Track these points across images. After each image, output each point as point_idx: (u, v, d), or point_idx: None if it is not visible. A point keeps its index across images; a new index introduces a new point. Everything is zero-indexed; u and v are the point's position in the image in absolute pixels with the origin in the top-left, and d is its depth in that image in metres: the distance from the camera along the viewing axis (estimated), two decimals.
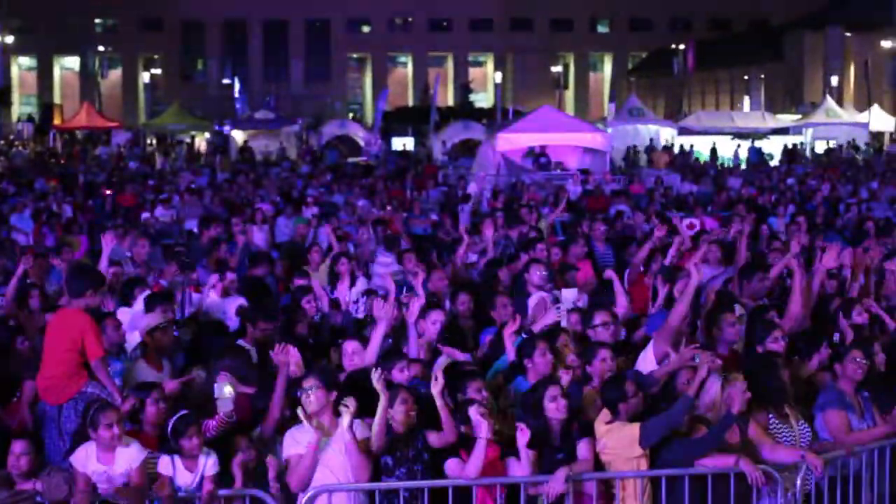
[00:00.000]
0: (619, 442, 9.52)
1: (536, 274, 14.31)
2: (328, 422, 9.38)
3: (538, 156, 39.67)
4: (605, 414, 9.72)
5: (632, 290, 14.77)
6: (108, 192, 33.09)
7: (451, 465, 9.49)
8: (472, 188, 31.87)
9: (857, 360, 10.53)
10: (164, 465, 9.36)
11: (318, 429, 9.20)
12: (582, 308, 12.90)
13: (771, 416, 10.05)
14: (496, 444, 9.57)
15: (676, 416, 9.49)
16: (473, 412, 9.45)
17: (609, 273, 14.19)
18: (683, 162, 54.06)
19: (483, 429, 9.30)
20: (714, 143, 61.27)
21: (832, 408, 10.32)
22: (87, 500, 9.15)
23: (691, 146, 61.31)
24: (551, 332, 11.56)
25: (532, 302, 13.54)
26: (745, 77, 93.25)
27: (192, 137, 73.28)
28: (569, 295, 13.73)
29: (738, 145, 60.87)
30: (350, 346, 11.17)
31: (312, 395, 9.34)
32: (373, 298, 13.65)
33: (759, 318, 12.08)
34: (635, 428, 9.45)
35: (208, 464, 9.30)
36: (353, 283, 16.11)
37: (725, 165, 55.16)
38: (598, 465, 9.61)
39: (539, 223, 21.89)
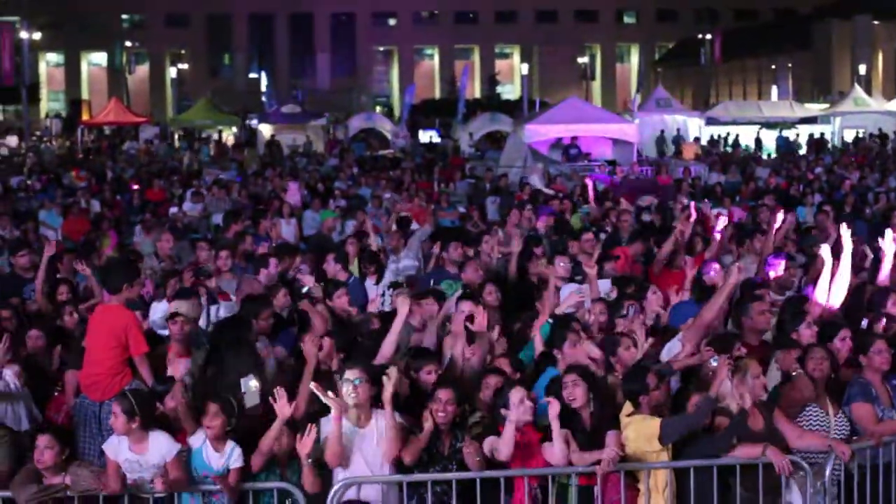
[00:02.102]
0: (639, 435, 9.51)
1: (561, 266, 14.33)
2: (364, 414, 9.39)
3: (567, 147, 39.58)
4: (628, 406, 9.72)
5: (658, 281, 14.72)
6: (135, 187, 33.21)
7: (487, 442, 9.51)
8: (533, 180, 31.57)
9: (882, 350, 10.48)
10: (195, 439, 9.47)
11: (337, 402, 9.21)
12: (610, 299, 12.85)
13: (809, 406, 10.01)
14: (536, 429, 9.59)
15: (697, 418, 9.45)
16: (513, 394, 9.51)
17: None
18: (712, 152, 53.87)
19: (512, 412, 9.33)
20: (758, 132, 61.12)
21: (857, 400, 10.25)
22: (116, 488, 9.21)
23: (718, 136, 61.15)
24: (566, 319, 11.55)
25: (564, 293, 13.49)
26: (773, 66, 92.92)
27: (220, 132, 73.43)
28: (602, 286, 13.68)
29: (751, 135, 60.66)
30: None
31: (360, 388, 9.32)
32: (399, 291, 13.66)
33: (791, 306, 12.06)
34: (656, 424, 9.43)
35: (234, 454, 9.35)
36: (380, 278, 16.13)
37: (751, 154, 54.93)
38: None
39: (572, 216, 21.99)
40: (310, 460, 9.14)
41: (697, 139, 53.76)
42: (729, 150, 57.33)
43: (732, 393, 9.57)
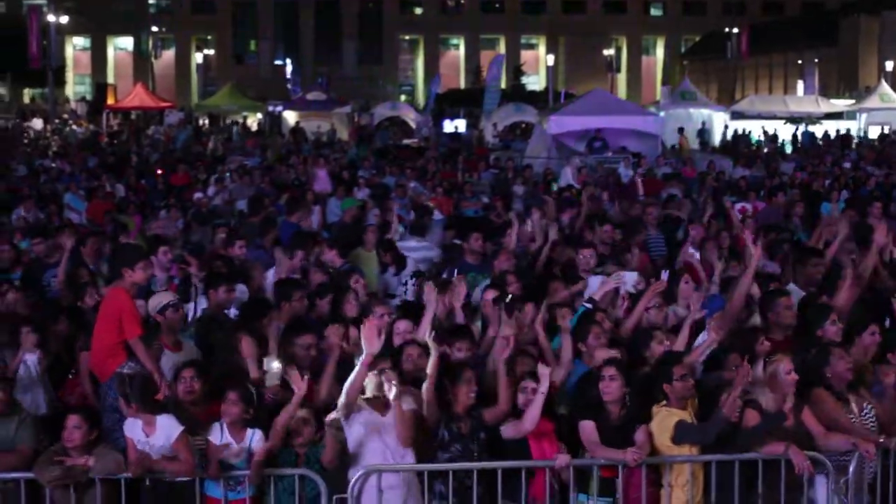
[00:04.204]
0: (662, 430, 9.53)
1: (584, 258, 14.33)
2: (384, 402, 9.37)
3: (593, 139, 39.49)
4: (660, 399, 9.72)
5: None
6: (160, 171, 33.27)
7: (507, 429, 9.57)
8: (566, 174, 31.50)
9: None
10: (213, 431, 9.51)
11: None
12: (638, 292, 12.82)
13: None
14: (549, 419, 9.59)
15: (707, 434, 9.45)
16: (530, 384, 9.53)
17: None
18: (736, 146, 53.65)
19: (542, 383, 9.39)
20: (774, 129, 60.84)
21: (882, 398, 10.21)
22: (138, 469, 9.26)
23: (744, 131, 60.92)
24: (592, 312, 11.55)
25: (592, 285, 13.46)
26: (799, 61, 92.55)
27: (245, 118, 73.52)
28: (630, 278, 13.64)
29: (770, 130, 60.32)
30: (402, 325, 11.25)
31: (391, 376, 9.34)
32: (422, 280, 13.65)
33: (813, 303, 12.02)
34: (674, 421, 9.44)
35: (255, 437, 9.37)
36: (402, 267, 16.12)
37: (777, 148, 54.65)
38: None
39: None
40: (335, 431, 9.21)
41: (682, 129, 52.81)
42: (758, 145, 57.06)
43: (762, 386, 9.58)
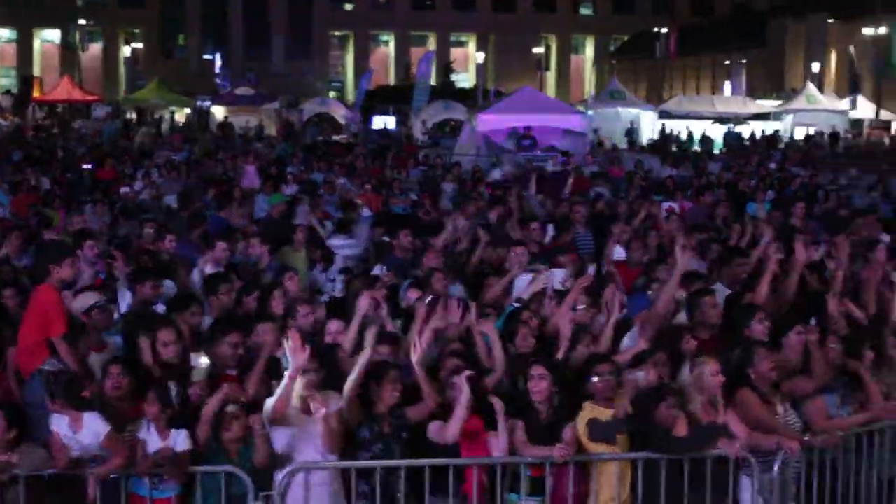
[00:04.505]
0: (583, 427, 9.55)
1: (516, 255, 14.35)
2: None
3: (521, 137, 39.59)
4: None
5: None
6: (87, 166, 32.95)
7: (432, 427, 9.53)
8: (494, 173, 31.57)
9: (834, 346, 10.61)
10: (141, 428, 9.44)
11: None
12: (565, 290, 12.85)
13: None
14: (477, 415, 9.57)
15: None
16: (457, 379, 9.48)
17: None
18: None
19: (463, 394, 9.32)
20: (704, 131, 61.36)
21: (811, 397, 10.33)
22: (63, 465, 9.16)
23: (671, 131, 61.34)
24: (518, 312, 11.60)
25: (522, 283, 13.48)
26: (727, 62, 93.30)
27: (172, 113, 73.08)
28: (558, 275, 13.68)
29: (698, 130, 60.77)
30: (334, 325, 11.25)
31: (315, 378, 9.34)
32: (350, 277, 13.67)
33: (738, 302, 12.12)
34: (586, 419, 9.51)
35: (179, 438, 9.30)
36: (329, 263, 16.11)
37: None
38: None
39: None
40: (263, 431, 9.15)
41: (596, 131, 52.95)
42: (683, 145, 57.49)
43: (691, 389, 9.67)
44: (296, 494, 9.27)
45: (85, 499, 9.23)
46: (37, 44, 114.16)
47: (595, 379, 9.63)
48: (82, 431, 9.24)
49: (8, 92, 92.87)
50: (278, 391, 9.14)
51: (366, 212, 21.37)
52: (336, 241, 17.67)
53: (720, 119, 63.42)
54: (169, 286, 13.32)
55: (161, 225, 17.25)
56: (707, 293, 11.95)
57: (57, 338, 10.47)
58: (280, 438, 9.33)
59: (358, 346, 10.43)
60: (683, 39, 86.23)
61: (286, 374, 9.16)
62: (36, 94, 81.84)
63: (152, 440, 9.37)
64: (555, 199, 23.20)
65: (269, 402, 9.23)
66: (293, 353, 9.11)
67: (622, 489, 9.54)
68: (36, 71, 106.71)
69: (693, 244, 14.70)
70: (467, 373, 9.47)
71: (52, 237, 16.65)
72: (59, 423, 9.29)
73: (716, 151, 54.23)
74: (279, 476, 9.25)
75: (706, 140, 59.00)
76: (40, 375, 10.35)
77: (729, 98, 74.24)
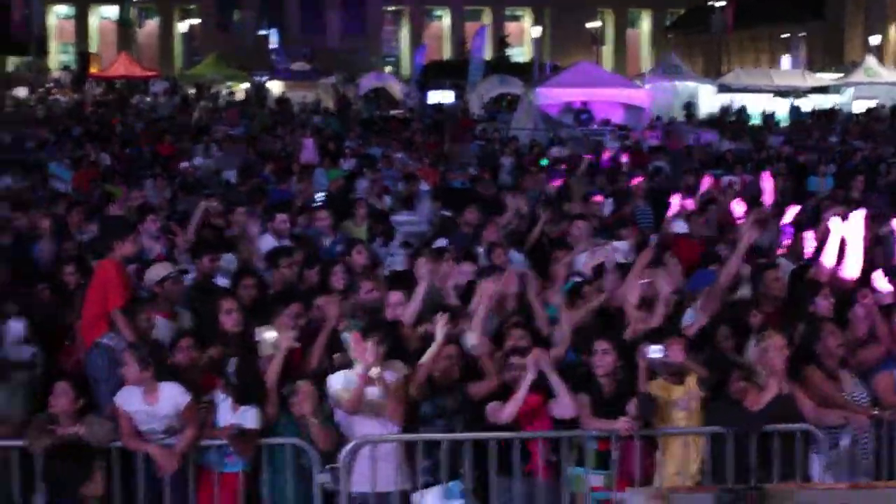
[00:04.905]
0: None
1: (579, 229, 14.30)
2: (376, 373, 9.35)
3: (579, 112, 39.45)
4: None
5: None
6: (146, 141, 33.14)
7: (490, 407, 9.48)
8: (554, 152, 31.44)
9: None
10: (217, 398, 9.52)
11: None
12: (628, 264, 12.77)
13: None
14: (538, 393, 9.53)
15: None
16: (517, 359, 9.44)
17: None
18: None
19: (527, 377, 9.27)
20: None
21: (879, 370, 10.19)
22: (131, 440, 9.22)
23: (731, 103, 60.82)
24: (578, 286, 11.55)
25: (580, 258, 13.41)
26: (785, 35, 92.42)
27: (230, 88, 73.25)
28: (621, 247, 13.61)
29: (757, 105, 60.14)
30: (394, 296, 11.11)
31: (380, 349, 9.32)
32: (414, 250, 13.67)
33: (803, 277, 12.01)
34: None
35: (249, 415, 9.31)
36: (389, 238, 16.09)
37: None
38: None
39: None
40: (316, 420, 9.16)
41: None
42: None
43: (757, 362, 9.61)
44: (361, 467, 9.31)
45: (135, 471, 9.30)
46: (94, 20, 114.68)
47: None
48: (159, 403, 9.27)
49: (67, 68, 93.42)
50: (353, 392, 9.20)
51: (424, 186, 21.34)
52: (399, 218, 17.65)
53: (779, 93, 62.72)
54: (229, 260, 13.36)
55: (225, 199, 17.33)
56: (771, 266, 11.86)
57: (114, 310, 10.54)
58: (344, 414, 9.36)
59: (420, 317, 10.47)
60: (740, 12, 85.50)
61: (356, 373, 9.20)
62: (94, 70, 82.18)
63: (223, 414, 9.41)
64: (613, 175, 23.02)
65: (338, 393, 9.27)
66: (360, 355, 9.16)
67: (689, 464, 9.49)
68: (93, 47, 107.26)
69: (763, 217, 14.58)
70: (536, 356, 9.42)
71: (114, 212, 16.73)
72: (130, 398, 9.31)
73: (781, 125, 53.64)
74: (345, 449, 9.26)
75: (768, 115, 58.34)
76: (98, 349, 10.45)
77: (787, 72, 73.50)
